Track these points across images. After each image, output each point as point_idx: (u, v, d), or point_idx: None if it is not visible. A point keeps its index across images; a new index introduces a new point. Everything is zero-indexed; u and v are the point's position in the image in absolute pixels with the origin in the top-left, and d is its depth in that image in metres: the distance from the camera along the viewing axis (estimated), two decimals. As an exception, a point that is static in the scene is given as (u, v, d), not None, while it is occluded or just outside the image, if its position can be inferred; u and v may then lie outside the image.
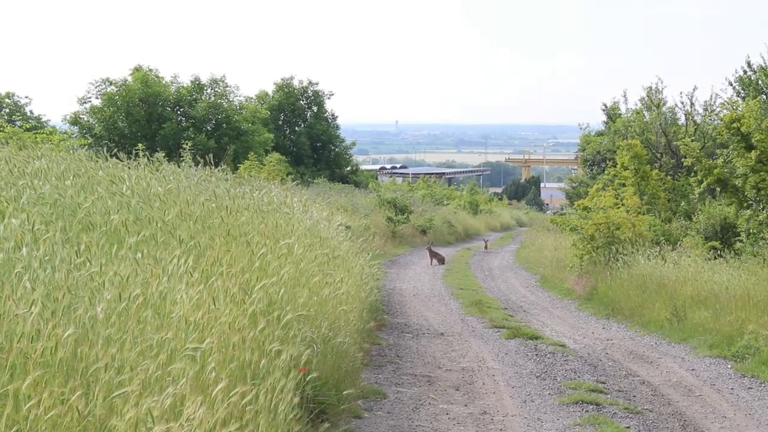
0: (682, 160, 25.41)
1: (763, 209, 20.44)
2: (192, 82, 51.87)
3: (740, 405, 11.29)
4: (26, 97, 53.19)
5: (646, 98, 36.05)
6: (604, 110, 44.36)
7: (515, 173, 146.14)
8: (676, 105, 35.74)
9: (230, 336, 6.50)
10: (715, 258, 19.69)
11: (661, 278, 18.36)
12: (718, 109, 32.82)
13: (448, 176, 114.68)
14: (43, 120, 49.34)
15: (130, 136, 47.63)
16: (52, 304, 5.67)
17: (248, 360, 6.52)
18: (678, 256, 19.72)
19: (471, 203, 57.19)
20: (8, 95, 52.56)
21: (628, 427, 9.97)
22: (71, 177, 9.80)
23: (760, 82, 32.28)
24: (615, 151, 32.84)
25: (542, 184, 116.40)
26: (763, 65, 32.47)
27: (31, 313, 5.34)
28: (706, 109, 34.52)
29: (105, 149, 13.87)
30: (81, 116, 49.34)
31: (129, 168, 11.71)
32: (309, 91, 64.63)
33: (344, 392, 8.78)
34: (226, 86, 52.84)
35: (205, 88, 52.18)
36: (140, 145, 15.67)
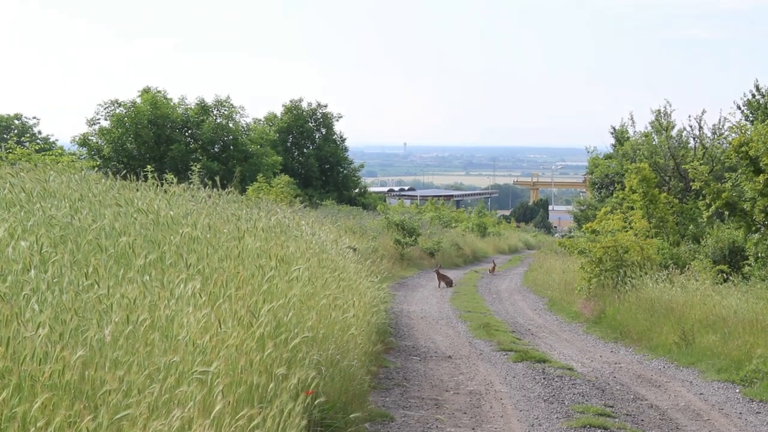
0: (691, 183, 25.38)
1: (771, 233, 20.41)
2: (197, 104, 52.07)
3: (748, 430, 11.24)
4: (34, 118, 53.59)
5: (655, 121, 36.02)
6: (612, 133, 44.41)
7: (523, 196, 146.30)
8: (685, 128, 35.73)
9: (238, 359, 6.50)
10: (724, 282, 19.64)
11: (670, 302, 18.31)
12: (726, 133, 32.82)
13: (457, 198, 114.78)
14: (51, 141, 49.65)
15: (138, 157, 47.87)
16: (59, 327, 5.67)
17: (256, 383, 6.51)
18: (686, 280, 19.68)
19: (479, 226, 57.16)
20: (17, 116, 52.92)
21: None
22: (79, 199, 9.82)
23: (768, 105, 32.26)
24: (623, 174, 32.83)
25: (550, 207, 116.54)
26: (772, 89, 32.49)
27: (39, 335, 5.35)
28: (714, 133, 34.48)
29: (114, 171, 13.91)
30: (90, 137, 49.57)
31: (138, 190, 11.74)
32: (318, 113, 64.81)
33: (351, 415, 8.75)
34: (231, 107, 53.03)
35: (211, 109, 52.36)
36: (149, 166, 15.74)
